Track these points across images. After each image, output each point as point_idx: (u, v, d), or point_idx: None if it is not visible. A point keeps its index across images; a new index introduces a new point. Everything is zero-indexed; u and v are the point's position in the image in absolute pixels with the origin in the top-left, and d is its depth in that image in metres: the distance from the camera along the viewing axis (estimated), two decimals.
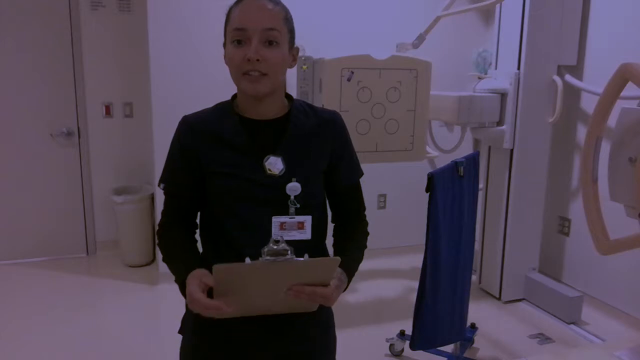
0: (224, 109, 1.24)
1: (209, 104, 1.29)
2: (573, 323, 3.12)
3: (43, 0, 3.74)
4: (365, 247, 1.32)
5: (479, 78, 3.38)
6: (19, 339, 2.90)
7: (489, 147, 3.43)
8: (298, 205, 1.18)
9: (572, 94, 3.47)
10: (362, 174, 1.34)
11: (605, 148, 1.66)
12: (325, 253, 1.31)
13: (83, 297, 3.49)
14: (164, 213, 1.28)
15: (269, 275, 1.03)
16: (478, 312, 3.21)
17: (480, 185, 3.13)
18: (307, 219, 1.19)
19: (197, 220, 1.30)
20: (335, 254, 1.27)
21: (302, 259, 1.04)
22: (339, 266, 1.11)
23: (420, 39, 3.21)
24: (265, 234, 1.15)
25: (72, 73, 3.89)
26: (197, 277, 1.08)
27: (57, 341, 2.88)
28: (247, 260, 1.03)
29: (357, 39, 3.75)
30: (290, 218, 1.18)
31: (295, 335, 1.27)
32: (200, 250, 1.28)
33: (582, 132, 3.49)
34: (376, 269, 3.92)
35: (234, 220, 1.19)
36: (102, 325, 3.15)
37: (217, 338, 1.25)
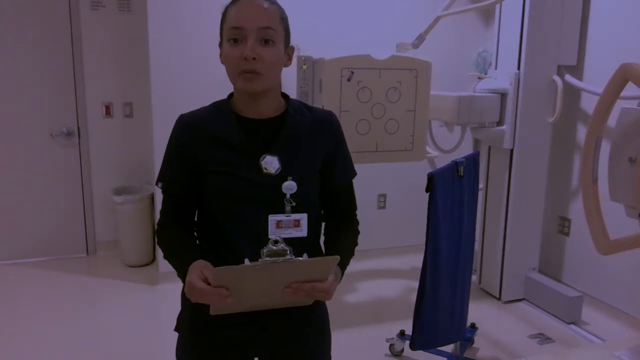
0: (220, 108, 1.25)
1: (209, 103, 1.29)
2: (573, 323, 3.12)
3: (43, 0, 3.74)
4: (356, 244, 1.33)
5: (479, 78, 3.38)
6: (19, 339, 2.90)
7: (489, 147, 3.43)
8: (294, 204, 1.19)
9: (572, 94, 3.47)
10: (355, 174, 1.35)
11: (605, 148, 1.66)
12: (320, 250, 1.32)
13: (83, 297, 3.49)
14: (162, 212, 1.29)
15: (268, 274, 1.04)
16: (478, 312, 3.21)
17: (480, 185, 3.13)
18: (303, 217, 1.20)
19: (195, 218, 1.31)
20: (327, 250, 1.28)
21: (301, 258, 1.05)
22: None
23: (420, 39, 3.21)
24: (261, 232, 1.16)
25: (72, 73, 3.89)
26: (198, 268, 1.09)
27: (57, 341, 2.88)
28: (247, 261, 1.04)
29: (357, 39, 3.75)
30: (287, 216, 1.19)
31: (291, 333, 1.28)
32: None
33: (582, 132, 3.49)
34: (376, 269, 3.92)
35: (230, 218, 1.20)
36: (102, 325, 3.15)
37: (213, 335, 1.25)
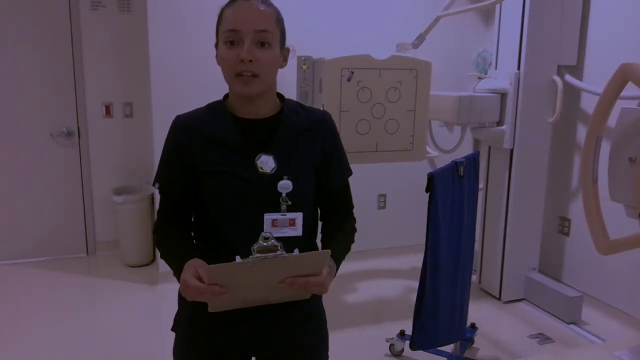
0: (216, 109, 1.26)
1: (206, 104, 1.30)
2: (573, 323, 3.12)
3: (43, 0, 3.74)
4: (353, 241, 1.34)
5: (479, 78, 3.38)
6: (19, 339, 2.90)
7: (489, 147, 3.43)
8: (290, 203, 1.20)
9: (572, 94, 3.47)
10: (351, 173, 1.36)
11: (605, 148, 1.66)
12: (316, 249, 1.32)
13: (83, 297, 3.49)
14: (159, 212, 1.29)
15: (261, 270, 1.05)
16: (478, 312, 3.21)
17: (480, 185, 3.13)
18: (299, 216, 1.21)
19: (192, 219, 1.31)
20: (323, 246, 1.28)
21: (292, 254, 1.06)
22: None
23: (420, 39, 3.21)
24: (257, 231, 1.17)
25: (72, 73, 3.89)
26: (192, 266, 1.10)
27: (57, 341, 2.88)
28: (238, 258, 1.05)
29: (357, 39, 3.75)
30: (282, 215, 1.20)
31: (289, 333, 1.28)
32: None
33: (582, 132, 3.49)
34: (376, 269, 3.92)
35: (226, 218, 1.20)
36: (102, 325, 3.15)
37: (211, 335, 1.26)
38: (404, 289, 3.62)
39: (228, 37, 1.16)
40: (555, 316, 3.20)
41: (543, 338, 2.97)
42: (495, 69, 3.35)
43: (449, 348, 2.64)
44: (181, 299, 1.31)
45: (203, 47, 3.50)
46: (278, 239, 1.12)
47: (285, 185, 1.19)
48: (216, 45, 1.22)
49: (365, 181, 3.97)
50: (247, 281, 1.06)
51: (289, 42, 1.27)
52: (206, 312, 1.10)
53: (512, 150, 3.25)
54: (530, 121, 3.21)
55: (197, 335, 1.27)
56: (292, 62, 1.27)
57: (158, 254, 3.89)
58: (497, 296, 3.43)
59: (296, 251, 1.08)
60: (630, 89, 1.68)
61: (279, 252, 1.07)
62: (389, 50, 2.83)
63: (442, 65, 3.46)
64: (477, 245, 2.88)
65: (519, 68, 3.15)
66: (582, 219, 1.86)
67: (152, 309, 3.36)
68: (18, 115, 3.83)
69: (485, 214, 3.51)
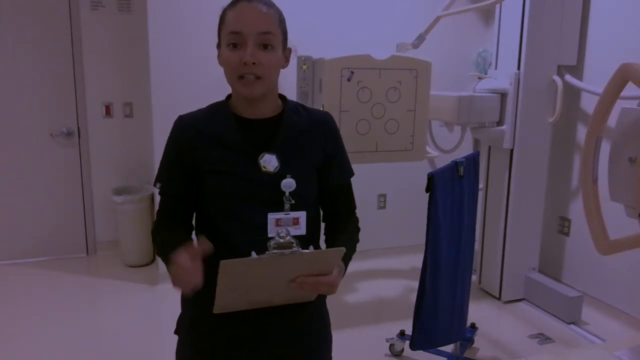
0: (218, 109, 1.26)
1: (209, 103, 1.30)
2: (573, 323, 3.12)
3: (43, 0, 3.74)
4: (358, 240, 1.34)
5: (479, 78, 3.38)
6: (19, 339, 2.90)
7: (489, 147, 3.43)
8: (293, 202, 1.20)
9: (572, 94, 3.47)
10: (353, 174, 1.36)
11: (605, 148, 1.66)
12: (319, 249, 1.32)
13: (83, 297, 3.50)
14: (159, 213, 1.28)
15: (274, 267, 1.04)
16: (478, 312, 3.21)
17: (480, 185, 3.13)
18: (302, 215, 1.21)
19: (193, 222, 1.30)
20: (328, 247, 1.28)
21: (307, 250, 1.05)
22: None
23: (420, 39, 3.21)
24: (260, 231, 1.17)
25: (72, 73, 3.89)
26: (184, 249, 1.06)
27: (57, 341, 2.88)
28: (253, 254, 1.04)
29: (357, 39, 3.75)
30: (286, 214, 1.19)
31: (292, 334, 1.28)
32: None
33: (582, 132, 3.49)
34: (376, 269, 3.92)
35: (229, 218, 1.20)
36: (102, 325, 3.15)
37: (214, 337, 1.25)
38: (404, 289, 3.62)
39: (231, 40, 1.15)
40: (555, 316, 3.20)
41: (543, 338, 2.97)
42: (495, 69, 3.35)
43: (449, 348, 2.64)
44: (184, 302, 1.30)
45: (203, 47, 3.50)
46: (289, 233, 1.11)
47: (288, 184, 1.19)
48: (218, 46, 1.22)
49: (365, 181, 3.97)
50: (259, 278, 1.05)
51: (289, 43, 1.27)
52: (209, 314, 1.09)
53: (512, 150, 3.25)
54: (530, 121, 3.21)
55: (200, 337, 1.27)
56: (292, 62, 1.27)
57: None
58: (497, 296, 3.43)
59: (311, 248, 1.08)
60: (630, 89, 1.68)
61: (295, 249, 1.07)
62: (389, 50, 2.83)
63: (442, 65, 3.46)
64: (477, 245, 2.88)
65: (519, 68, 3.15)
66: (582, 219, 1.86)
67: (152, 309, 3.36)
68: (18, 115, 3.83)
69: (485, 214, 3.51)
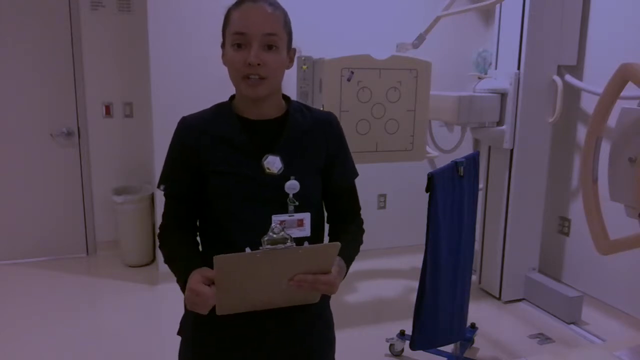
0: (222, 110, 1.25)
1: (209, 103, 1.29)
2: (573, 323, 3.12)
3: (43, 0, 3.74)
4: (362, 242, 1.33)
5: (479, 78, 3.38)
6: (19, 339, 2.90)
7: (489, 147, 3.43)
8: (297, 203, 1.19)
9: (572, 94, 3.47)
10: (357, 175, 1.35)
11: (605, 148, 1.66)
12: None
13: (83, 297, 3.50)
14: (164, 215, 1.28)
15: (270, 264, 1.03)
16: (478, 312, 3.21)
17: (480, 185, 3.13)
18: (306, 216, 1.20)
19: (197, 223, 1.30)
20: None
21: (302, 246, 1.05)
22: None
23: (420, 39, 3.21)
24: (263, 232, 1.16)
25: (72, 73, 3.89)
26: (198, 273, 1.09)
27: (57, 341, 2.88)
28: (247, 250, 1.03)
29: (357, 39, 3.75)
30: (290, 216, 1.19)
31: (295, 335, 1.27)
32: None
33: (582, 132, 3.49)
34: (376, 269, 3.92)
35: (233, 219, 1.20)
36: (102, 325, 3.15)
37: (218, 338, 1.25)
38: (404, 289, 3.62)
39: (235, 40, 1.15)
40: (555, 316, 3.20)
41: (543, 338, 2.97)
42: (495, 69, 3.35)
43: (449, 348, 2.64)
44: None
45: (203, 47, 3.51)
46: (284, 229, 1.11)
47: (292, 186, 1.19)
48: (222, 45, 1.21)
49: (365, 181, 3.96)
50: (255, 275, 1.05)
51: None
52: (213, 315, 1.09)
53: (512, 150, 3.25)
54: (530, 121, 3.21)
55: (203, 338, 1.27)
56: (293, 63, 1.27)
57: (158, 254, 3.89)
58: (497, 296, 3.43)
59: (306, 244, 1.07)
60: (630, 89, 1.68)
61: (289, 244, 1.06)
62: (389, 50, 2.83)
63: (442, 65, 3.46)
64: (477, 245, 2.88)
65: (519, 68, 3.15)
66: (582, 219, 1.86)
67: (152, 309, 3.36)
68: (18, 115, 3.83)
69: (485, 214, 3.51)
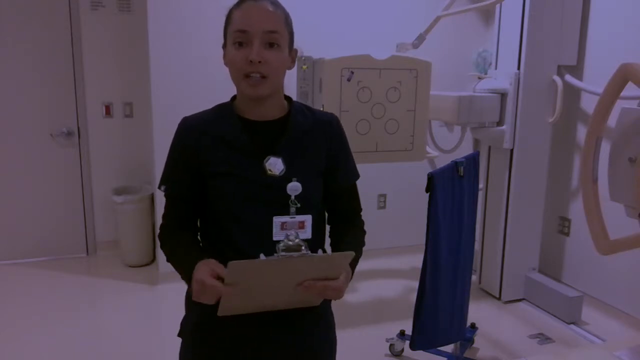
0: (223, 110, 1.25)
1: (209, 104, 1.29)
2: (573, 323, 3.12)
3: (43, 0, 3.74)
4: (364, 244, 1.33)
5: (479, 78, 3.38)
6: (19, 339, 2.90)
7: (489, 147, 3.43)
8: (299, 205, 1.19)
9: (572, 94, 3.47)
10: (358, 176, 1.35)
11: (605, 148, 1.66)
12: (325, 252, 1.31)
13: (83, 297, 3.50)
14: (165, 216, 1.28)
15: (283, 271, 1.03)
16: (478, 312, 3.21)
17: (480, 185, 3.13)
18: (308, 218, 1.20)
19: (198, 223, 1.30)
20: (334, 251, 1.27)
21: (316, 254, 1.05)
22: None
23: (420, 39, 3.21)
24: (266, 234, 1.15)
25: (72, 73, 3.89)
26: (207, 264, 1.08)
27: (57, 341, 2.88)
28: (262, 256, 1.03)
29: (357, 39, 3.75)
30: (291, 218, 1.18)
31: (296, 337, 1.27)
32: None
33: (582, 132, 3.49)
34: (376, 269, 3.92)
35: (234, 220, 1.19)
36: (102, 325, 3.15)
37: (219, 339, 1.25)
38: (404, 289, 3.62)
39: (237, 38, 1.15)
40: (555, 316, 3.20)
41: (543, 338, 2.97)
42: (495, 69, 3.35)
43: (449, 348, 2.64)
44: (189, 304, 1.29)
45: (203, 47, 3.51)
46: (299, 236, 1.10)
47: (294, 188, 1.18)
48: (223, 46, 1.21)
49: (365, 181, 3.96)
50: (266, 281, 1.04)
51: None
52: (213, 316, 1.09)
53: (512, 150, 3.25)
54: (530, 121, 3.21)
55: (204, 340, 1.26)
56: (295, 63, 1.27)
57: (158, 254, 3.89)
58: (497, 296, 3.43)
59: (319, 252, 1.07)
60: (630, 89, 1.68)
61: (303, 252, 1.06)
62: (389, 50, 2.83)
63: (442, 65, 3.46)
64: (477, 245, 2.88)
65: (519, 68, 3.15)
66: (582, 219, 1.86)
67: (152, 309, 3.36)
68: (18, 115, 3.83)
69: (485, 214, 3.51)
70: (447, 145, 3.48)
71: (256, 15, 1.14)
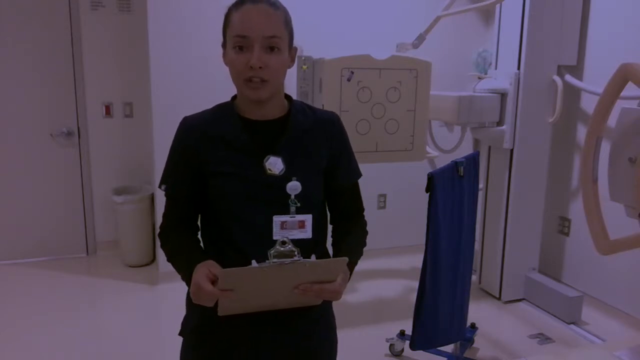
0: (224, 110, 1.25)
1: (209, 103, 1.29)
2: (573, 323, 3.12)
3: (43, 0, 3.74)
4: (365, 244, 1.32)
5: (479, 78, 3.38)
6: (19, 339, 2.90)
7: (489, 147, 3.43)
8: (299, 204, 1.18)
9: (572, 94, 3.47)
10: (360, 175, 1.35)
11: (605, 148, 1.66)
12: (327, 252, 1.31)
13: (83, 297, 3.50)
14: (165, 215, 1.28)
15: (276, 276, 1.03)
16: (478, 312, 3.21)
17: (480, 185, 3.13)
18: (308, 218, 1.19)
19: (198, 222, 1.30)
20: (335, 252, 1.27)
21: (309, 260, 1.04)
22: None
23: (420, 39, 3.21)
24: (266, 234, 1.15)
25: (72, 73, 3.89)
26: (205, 267, 1.08)
27: (57, 341, 2.88)
28: (254, 263, 1.03)
29: (357, 39, 3.75)
30: (291, 217, 1.18)
31: (296, 337, 1.27)
32: None
33: (582, 132, 3.49)
34: (376, 269, 3.92)
35: (234, 220, 1.19)
36: (102, 325, 3.15)
37: (217, 339, 1.25)
38: (404, 289, 3.62)
39: (237, 43, 1.14)
40: (555, 316, 3.20)
41: (543, 338, 2.97)
42: (495, 69, 3.35)
43: (449, 348, 2.64)
44: (189, 303, 1.29)
45: (203, 47, 3.51)
46: (293, 243, 1.10)
47: (294, 187, 1.18)
48: (223, 45, 1.21)
49: (365, 181, 3.97)
50: (261, 286, 1.05)
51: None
52: (214, 316, 1.09)
53: (512, 150, 3.25)
54: (530, 121, 3.21)
55: (205, 339, 1.26)
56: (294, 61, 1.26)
57: (158, 254, 3.89)
58: (497, 296, 3.43)
59: (313, 257, 1.07)
60: (630, 89, 1.68)
61: (296, 258, 1.05)
62: (389, 50, 2.83)
63: (442, 65, 3.46)
64: (477, 245, 2.88)
65: (519, 68, 3.15)
66: (582, 219, 1.86)
67: (152, 309, 3.36)
68: (18, 115, 3.83)
69: (485, 214, 3.51)
70: (447, 145, 3.48)
71: (256, 18, 1.13)
